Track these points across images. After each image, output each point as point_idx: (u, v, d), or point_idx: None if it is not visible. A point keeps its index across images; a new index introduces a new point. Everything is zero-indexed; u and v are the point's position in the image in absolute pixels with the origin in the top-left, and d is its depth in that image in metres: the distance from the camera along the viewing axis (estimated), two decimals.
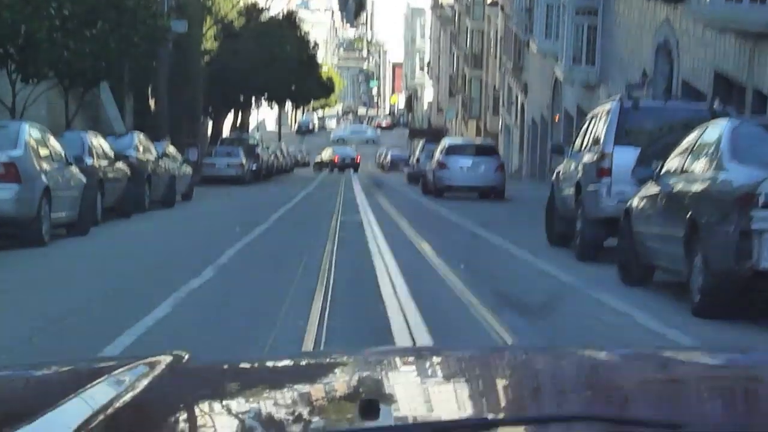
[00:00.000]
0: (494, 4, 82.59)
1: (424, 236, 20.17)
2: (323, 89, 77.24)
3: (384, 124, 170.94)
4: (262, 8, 64.51)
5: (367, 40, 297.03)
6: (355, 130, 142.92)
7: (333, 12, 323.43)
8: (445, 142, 41.98)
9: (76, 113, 33.42)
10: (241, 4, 64.96)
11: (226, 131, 77.06)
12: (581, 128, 18.64)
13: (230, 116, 77.50)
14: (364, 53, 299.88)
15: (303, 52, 67.02)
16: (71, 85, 32.11)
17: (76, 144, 22.10)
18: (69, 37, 27.75)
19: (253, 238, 19.53)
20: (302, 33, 70.22)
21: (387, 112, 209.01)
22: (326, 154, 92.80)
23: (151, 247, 18.28)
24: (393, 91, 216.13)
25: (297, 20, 69.16)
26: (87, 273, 14.50)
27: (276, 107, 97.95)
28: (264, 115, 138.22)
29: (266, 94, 72.57)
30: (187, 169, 35.44)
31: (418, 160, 57.51)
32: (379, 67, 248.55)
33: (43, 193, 17.25)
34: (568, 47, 42.53)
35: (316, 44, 72.96)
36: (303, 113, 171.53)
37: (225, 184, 51.96)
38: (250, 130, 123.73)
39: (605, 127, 16.05)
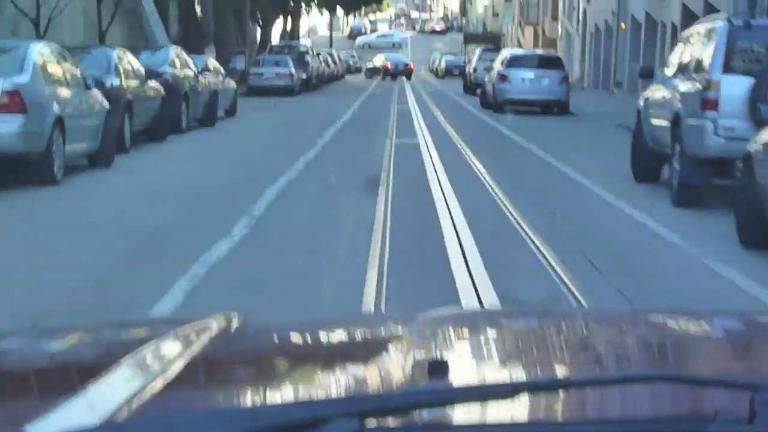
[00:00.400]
0: None
1: (490, 170, 17.78)
2: None
3: (437, 29, 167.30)
4: None
5: None
6: (381, 35, 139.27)
7: None
8: (506, 52, 39.37)
9: (110, 25, 31.09)
10: None
11: (275, 38, 74.55)
12: (675, 48, 16.11)
13: (280, 22, 74.83)
14: None
15: None
16: None
17: (100, 63, 19.85)
18: None
19: (295, 175, 17.22)
20: None
21: (440, 15, 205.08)
22: (378, 61, 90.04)
23: (179, 182, 16.01)
24: None
25: None
26: (97, 222, 12.26)
27: (327, 13, 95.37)
28: (315, 21, 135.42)
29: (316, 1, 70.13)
30: (231, 83, 33.13)
31: (475, 69, 54.88)
32: None
33: (55, 123, 15.00)
34: None
35: None
36: (355, 18, 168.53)
37: (274, 94, 49.68)
38: (300, 36, 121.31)
39: (710, 51, 13.57)
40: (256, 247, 10.70)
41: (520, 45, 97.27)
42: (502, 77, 36.95)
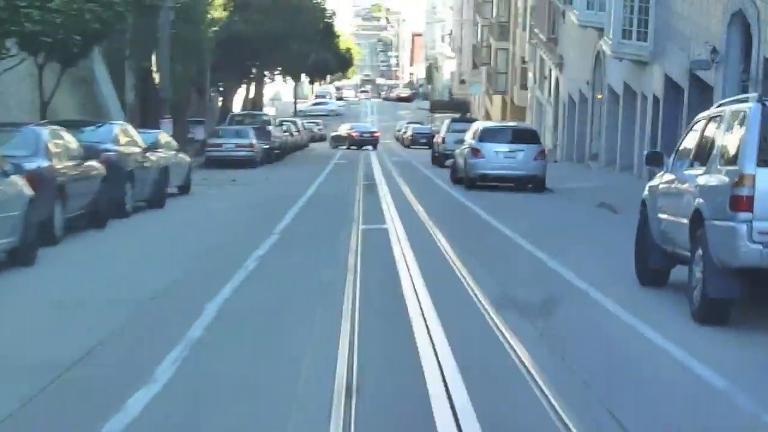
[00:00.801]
0: None
1: (469, 267, 15.47)
2: (341, 62, 72.06)
3: (403, 95, 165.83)
4: None
5: (386, 9, 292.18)
6: (317, 102, 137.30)
7: None
8: (478, 125, 37.29)
9: (52, 95, 28.70)
10: None
11: (238, 107, 72.42)
12: (688, 132, 13.90)
13: (243, 90, 72.72)
14: (383, 22, 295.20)
15: (319, 21, 62.08)
16: (46, 60, 27.52)
17: (28, 143, 17.50)
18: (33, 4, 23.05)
19: (244, 277, 14.85)
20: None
21: (406, 82, 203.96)
22: (344, 129, 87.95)
23: (107, 287, 13.58)
24: (412, 62, 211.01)
25: None
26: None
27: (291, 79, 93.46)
28: (279, 87, 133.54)
29: (280, 68, 67.90)
30: (185, 158, 30.84)
31: (443, 140, 52.83)
32: (398, 36, 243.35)
33: None
34: (616, 18, 37.67)
35: (333, 12, 67.91)
36: (320, 84, 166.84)
37: (234, 166, 47.37)
38: (264, 103, 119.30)
39: (739, 138, 11.36)
40: (186, 395, 8.32)
41: (488, 113, 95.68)
42: (475, 151, 34.87)
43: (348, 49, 75.76)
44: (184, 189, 30.37)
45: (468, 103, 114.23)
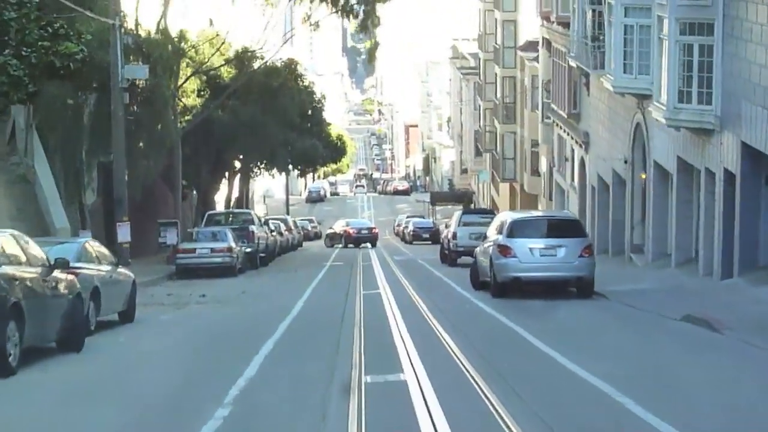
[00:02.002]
0: (527, 47, 70.86)
1: None
2: (333, 150, 64.60)
3: (401, 188, 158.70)
4: (256, 54, 52.29)
5: (378, 102, 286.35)
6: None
7: (342, 75, 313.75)
8: (506, 217, 29.76)
9: None
10: (232, 49, 52.83)
11: (222, 205, 65.05)
12: None
13: (228, 186, 65.35)
14: (375, 116, 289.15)
15: (305, 104, 54.84)
16: None
17: None
18: None
19: None
20: (305, 83, 57.99)
21: (402, 175, 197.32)
22: (339, 226, 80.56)
23: None
24: (407, 154, 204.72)
25: (298, 69, 56.48)
26: None
27: (283, 172, 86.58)
28: (271, 183, 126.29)
29: (264, 161, 60.69)
30: (125, 275, 23.27)
31: (454, 235, 45.43)
32: (392, 128, 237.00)
33: None
34: (671, 78, 30.36)
35: (323, 96, 60.60)
36: (313, 179, 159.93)
37: (211, 275, 39.93)
38: (254, 199, 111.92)
39: None
40: None
41: (494, 203, 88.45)
42: (503, 249, 27.43)
43: (340, 137, 68.30)
44: (126, 316, 22.82)
45: (471, 194, 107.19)
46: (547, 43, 53.39)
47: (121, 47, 34.69)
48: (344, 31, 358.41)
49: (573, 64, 43.39)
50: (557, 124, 53.05)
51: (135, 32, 42.11)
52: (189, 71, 47.87)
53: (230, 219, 48.90)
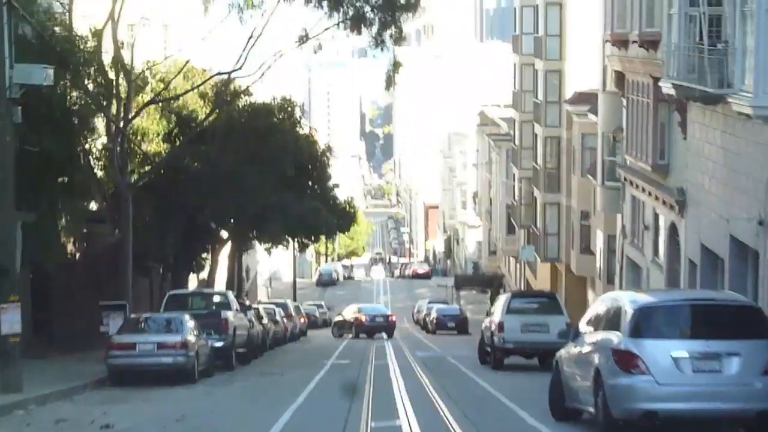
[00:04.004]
0: (576, 100, 58.80)
1: None
2: (340, 216, 51.89)
3: (420, 272, 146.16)
4: (240, 90, 40.08)
5: (395, 185, 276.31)
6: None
7: (360, 158, 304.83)
8: (623, 300, 16.97)
9: None
10: (209, 83, 40.53)
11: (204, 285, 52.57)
12: None
13: (212, 261, 52.93)
14: (393, 200, 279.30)
15: (305, 156, 42.71)
16: None
17: None
18: None
19: None
20: (305, 131, 45.75)
21: (421, 258, 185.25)
22: (349, 312, 68.05)
23: None
24: (427, 236, 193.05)
25: (296, 109, 43.79)
26: None
27: (289, 249, 74.89)
28: (278, 263, 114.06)
29: (255, 231, 48.50)
30: None
31: (501, 326, 33.11)
32: (410, 210, 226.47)
33: None
34: None
35: (327, 148, 48.07)
36: (326, 260, 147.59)
37: (158, 383, 27.76)
38: (257, 281, 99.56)
39: None
40: None
41: (529, 288, 75.73)
42: (625, 359, 15.18)
43: (349, 202, 55.71)
44: None
45: (501, 277, 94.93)
46: (619, 79, 41.18)
47: (11, 33, 22.56)
48: (363, 116, 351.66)
49: (670, 91, 31.00)
50: (632, 183, 40.61)
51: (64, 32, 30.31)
52: (147, 99, 35.77)
53: (198, 302, 36.36)
